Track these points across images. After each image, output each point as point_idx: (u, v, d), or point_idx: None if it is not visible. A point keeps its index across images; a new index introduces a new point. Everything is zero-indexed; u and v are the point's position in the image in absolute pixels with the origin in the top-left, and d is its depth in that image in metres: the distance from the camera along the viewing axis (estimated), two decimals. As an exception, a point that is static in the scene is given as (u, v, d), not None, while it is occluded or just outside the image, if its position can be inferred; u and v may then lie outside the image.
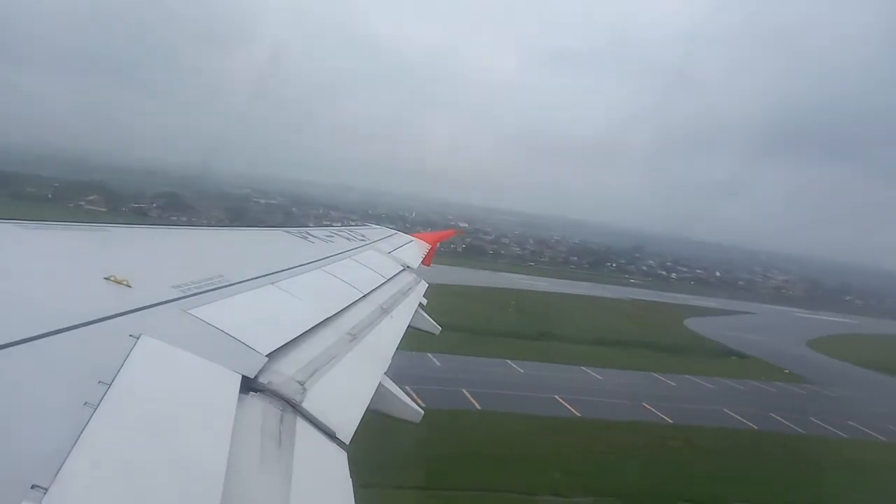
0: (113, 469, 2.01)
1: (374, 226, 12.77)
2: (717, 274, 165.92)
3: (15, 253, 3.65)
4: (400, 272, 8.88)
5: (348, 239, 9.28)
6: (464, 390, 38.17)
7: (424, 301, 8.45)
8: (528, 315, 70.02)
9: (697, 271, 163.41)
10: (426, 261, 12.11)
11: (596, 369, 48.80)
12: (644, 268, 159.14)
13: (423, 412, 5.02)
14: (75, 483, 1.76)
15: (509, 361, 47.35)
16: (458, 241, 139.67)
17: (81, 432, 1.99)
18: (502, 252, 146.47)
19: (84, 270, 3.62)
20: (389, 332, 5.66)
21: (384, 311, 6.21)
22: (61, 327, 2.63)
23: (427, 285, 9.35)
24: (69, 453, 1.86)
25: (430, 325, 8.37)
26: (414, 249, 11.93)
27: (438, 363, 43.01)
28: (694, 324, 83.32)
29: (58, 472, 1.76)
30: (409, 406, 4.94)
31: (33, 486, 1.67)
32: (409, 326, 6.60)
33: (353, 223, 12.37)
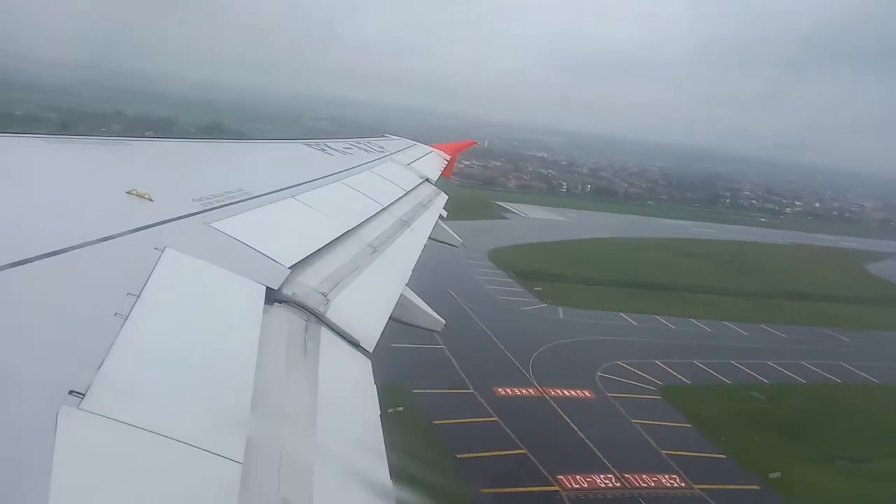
0: (146, 376, 2.10)
1: (392, 137, 12.53)
2: (817, 205, 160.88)
3: (39, 167, 3.67)
4: (419, 184, 8.81)
5: (367, 151, 9.16)
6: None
7: (444, 213, 8.43)
8: (752, 272, 70.13)
9: (797, 203, 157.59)
10: (446, 172, 11.96)
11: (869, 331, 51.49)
12: (753, 201, 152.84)
13: (444, 322, 5.13)
14: (110, 389, 1.84)
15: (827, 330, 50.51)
16: (539, 176, 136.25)
17: (114, 341, 2.06)
18: (592, 186, 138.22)
19: (106, 185, 3.64)
20: (410, 245, 5.69)
21: (404, 223, 6.21)
22: (88, 240, 2.67)
23: (447, 197, 9.28)
24: (103, 361, 1.94)
25: (451, 237, 8.39)
26: (433, 161, 11.76)
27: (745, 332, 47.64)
28: (878, 269, 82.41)
29: (93, 379, 1.84)
30: (431, 316, 5.05)
31: (71, 392, 1.75)
32: (429, 238, 6.63)
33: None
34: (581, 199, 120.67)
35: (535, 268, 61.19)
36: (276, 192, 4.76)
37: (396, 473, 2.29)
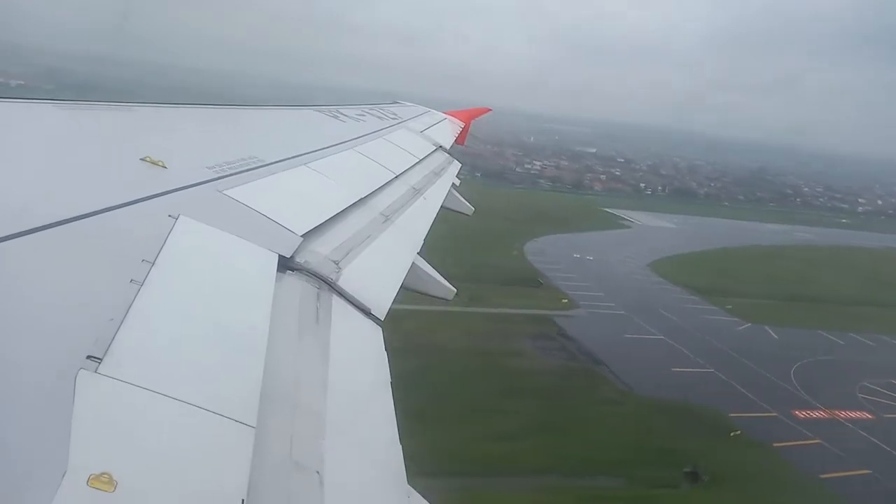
0: (161, 341, 2.14)
1: (406, 103, 12.39)
2: (879, 202, 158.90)
3: (54, 133, 3.69)
4: (433, 152, 8.75)
5: (380, 118, 9.08)
6: None
7: (457, 181, 8.38)
8: (884, 280, 70.96)
9: (860, 200, 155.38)
10: (460, 139, 11.85)
11: None
12: (821, 200, 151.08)
13: (455, 290, 5.15)
14: (127, 354, 1.89)
15: None
16: (614, 177, 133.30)
17: (130, 307, 2.10)
18: (647, 183, 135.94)
19: (121, 151, 3.66)
20: (423, 213, 5.69)
21: (417, 191, 6.20)
22: (104, 207, 2.70)
23: (460, 165, 9.21)
24: (119, 326, 1.98)
25: (463, 205, 8.37)
26: (447, 128, 11.65)
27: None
28: None
29: (110, 344, 1.88)
30: (442, 284, 5.07)
31: (89, 357, 1.79)
32: (441, 207, 6.62)
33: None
34: (668, 202, 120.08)
35: (704, 282, 63.67)
36: (288, 159, 4.76)
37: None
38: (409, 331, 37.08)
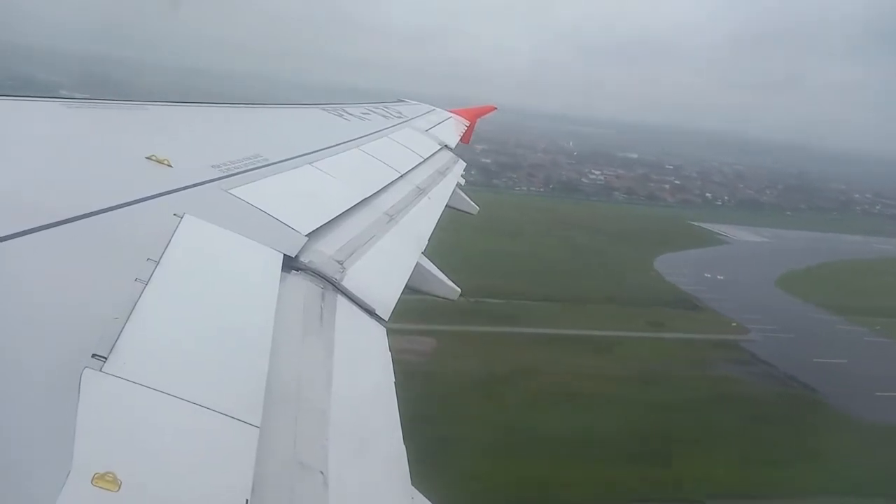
0: (166, 340, 2.14)
1: (411, 102, 12.38)
2: None
3: (59, 131, 3.70)
4: (438, 151, 8.74)
5: (385, 116, 9.08)
6: None
7: (462, 181, 8.37)
8: None
9: None
10: (465, 138, 11.83)
11: None
12: (878, 207, 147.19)
13: (459, 290, 5.15)
14: (132, 352, 1.89)
15: None
16: (677, 187, 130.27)
17: (135, 306, 2.11)
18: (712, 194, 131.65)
19: (126, 150, 3.67)
20: (427, 213, 5.69)
21: (421, 191, 6.19)
22: (109, 206, 2.70)
23: (465, 164, 9.20)
24: (124, 325, 1.98)
25: (468, 205, 8.36)
26: (452, 127, 11.63)
27: None
28: None
29: (115, 342, 1.88)
30: (447, 284, 5.07)
31: (94, 355, 1.79)
32: (446, 206, 6.61)
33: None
34: (742, 213, 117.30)
35: (838, 301, 63.80)
36: (293, 158, 4.76)
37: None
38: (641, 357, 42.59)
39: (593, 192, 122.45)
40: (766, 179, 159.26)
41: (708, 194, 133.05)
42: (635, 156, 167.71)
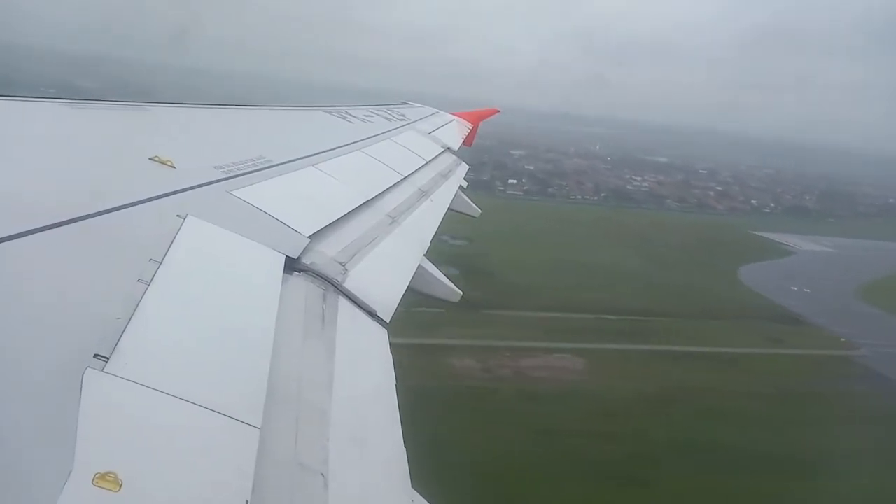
0: (168, 340, 2.15)
1: (414, 104, 12.39)
2: None
3: (64, 132, 3.72)
4: (440, 153, 8.75)
5: (388, 119, 9.09)
6: None
7: (465, 183, 8.38)
8: None
9: None
10: (468, 141, 11.84)
11: None
12: None
13: (461, 293, 5.16)
14: (134, 353, 1.90)
15: None
16: (722, 194, 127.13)
17: (137, 306, 2.11)
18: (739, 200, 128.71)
19: (130, 150, 3.68)
20: (429, 215, 5.69)
21: (424, 193, 6.20)
22: (112, 206, 2.71)
23: (468, 167, 9.21)
24: (127, 326, 1.99)
25: (471, 207, 8.37)
26: (455, 129, 11.64)
27: None
28: None
29: (117, 343, 1.89)
30: (448, 287, 5.07)
31: (96, 356, 1.80)
32: (448, 209, 6.62)
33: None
34: (793, 221, 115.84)
35: None
36: (296, 160, 4.77)
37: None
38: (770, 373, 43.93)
39: (643, 199, 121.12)
40: (799, 183, 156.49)
41: (753, 201, 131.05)
42: (664, 160, 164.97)
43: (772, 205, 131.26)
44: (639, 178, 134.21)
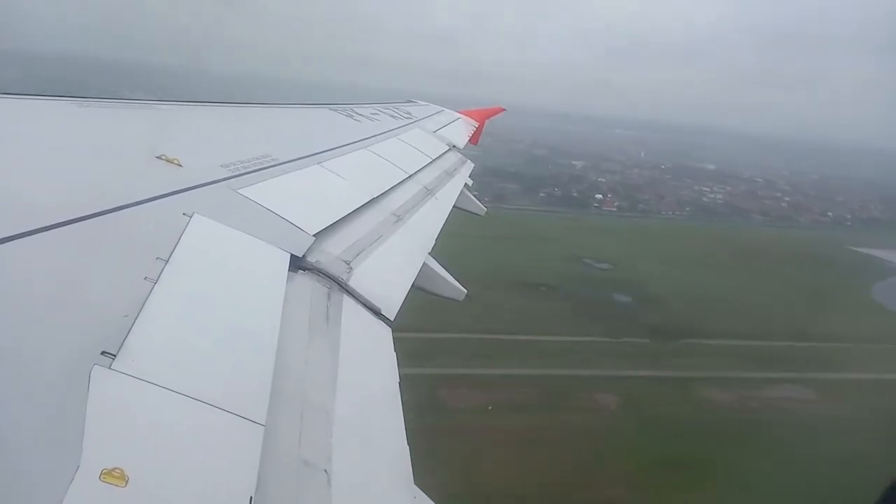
0: (174, 338, 2.17)
1: (420, 102, 12.39)
2: None
3: (71, 130, 3.75)
4: (446, 152, 8.76)
5: (394, 117, 9.10)
6: None
7: (470, 182, 8.38)
8: None
9: None
10: (473, 139, 11.84)
11: None
12: None
13: (465, 291, 5.16)
14: (141, 350, 1.92)
15: None
16: (796, 205, 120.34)
17: (144, 304, 2.14)
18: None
19: (137, 149, 3.71)
20: (434, 214, 5.70)
21: (429, 191, 6.21)
22: (119, 205, 2.74)
23: (473, 165, 9.21)
24: (133, 323, 2.01)
25: (476, 206, 8.37)
26: (461, 127, 11.64)
27: None
28: None
29: (124, 340, 1.91)
30: (453, 285, 5.08)
31: (103, 353, 1.83)
32: (454, 207, 6.63)
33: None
34: (875, 234, 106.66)
35: None
36: (302, 158, 4.79)
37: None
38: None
39: (728, 213, 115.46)
40: (851, 189, 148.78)
41: (830, 213, 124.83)
42: (712, 167, 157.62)
43: (848, 217, 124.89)
44: (707, 189, 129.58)
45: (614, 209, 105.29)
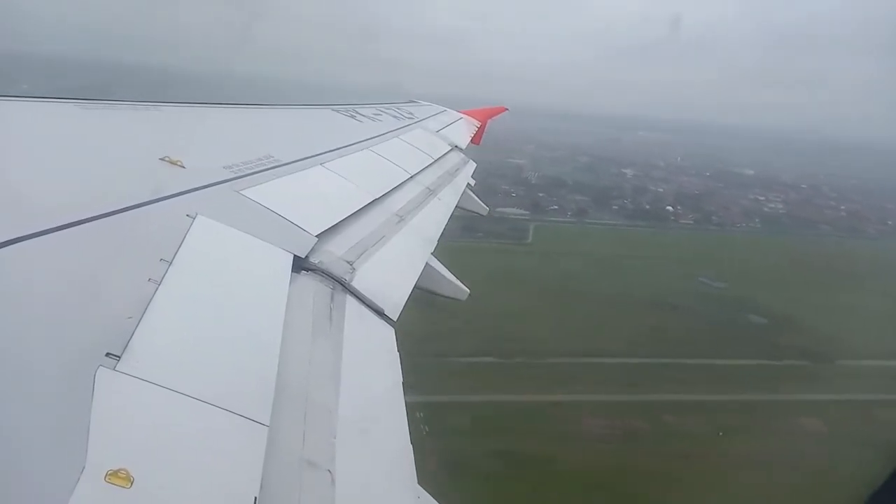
0: (178, 339, 2.18)
1: (422, 102, 12.38)
2: None
3: (74, 132, 3.76)
4: (448, 152, 8.75)
5: (396, 117, 9.11)
6: None
7: (472, 181, 8.38)
8: None
9: None
10: (476, 139, 11.83)
11: None
12: None
13: (468, 291, 5.16)
14: (145, 352, 1.93)
15: None
16: (854, 214, 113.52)
17: (147, 306, 2.15)
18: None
19: (140, 151, 3.72)
20: (437, 214, 5.70)
21: (431, 191, 6.21)
22: (123, 207, 2.75)
23: (475, 165, 9.21)
24: (138, 325, 2.02)
25: (478, 205, 8.37)
26: (463, 128, 11.63)
27: None
28: None
29: (129, 342, 1.92)
30: (456, 285, 5.08)
31: (107, 354, 1.83)
32: (456, 207, 6.63)
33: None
34: None
35: None
36: (304, 159, 4.80)
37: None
38: None
39: (795, 224, 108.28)
40: (890, 193, 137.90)
41: (889, 222, 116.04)
42: (751, 172, 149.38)
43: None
44: (762, 198, 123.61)
45: (691, 222, 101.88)
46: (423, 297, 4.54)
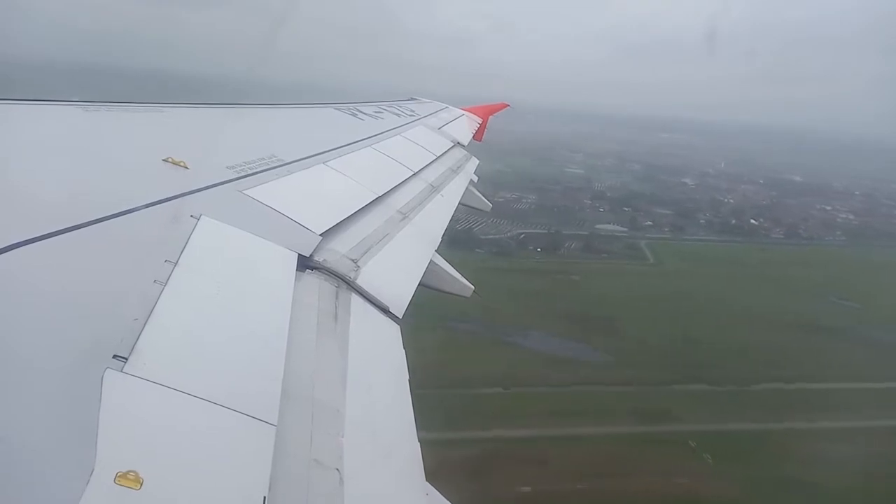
0: (184, 340, 2.18)
1: (423, 100, 12.37)
2: None
3: (78, 134, 3.76)
4: (450, 149, 8.74)
5: (397, 115, 9.09)
6: None
7: (475, 178, 8.37)
8: None
9: None
10: (477, 136, 11.82)
11: None
12: None
13: (472, 287, 5.16)
14: (152, 353, 1.93)
15: None
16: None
17: (154, 307, 2.15)
18: None
19: (144, 152, 3.73)
20: (440, 211, 5.70)
21: (434, 188, 6.21)
22: (127, 208, 2.75)
23: (478, 162, 9.20)
24: (144, 326, 2.02)
25: (481, 202, 8.37)
26: (464, 124, 11.62)
27: None
28: None
29: (135, 343, 1.92)
30: (460, 282, 5.08)
31: (115, 356, 1.83)
32: (459, 203, 6.62)
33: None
34: None
35: None
36: (307, 158, 4.80)
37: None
38: None
39: (875, 235, 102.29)
40: None
41: None
42: (799, 178, 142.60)
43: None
44: (829, 208, 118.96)
45: (781, 236, 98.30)
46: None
